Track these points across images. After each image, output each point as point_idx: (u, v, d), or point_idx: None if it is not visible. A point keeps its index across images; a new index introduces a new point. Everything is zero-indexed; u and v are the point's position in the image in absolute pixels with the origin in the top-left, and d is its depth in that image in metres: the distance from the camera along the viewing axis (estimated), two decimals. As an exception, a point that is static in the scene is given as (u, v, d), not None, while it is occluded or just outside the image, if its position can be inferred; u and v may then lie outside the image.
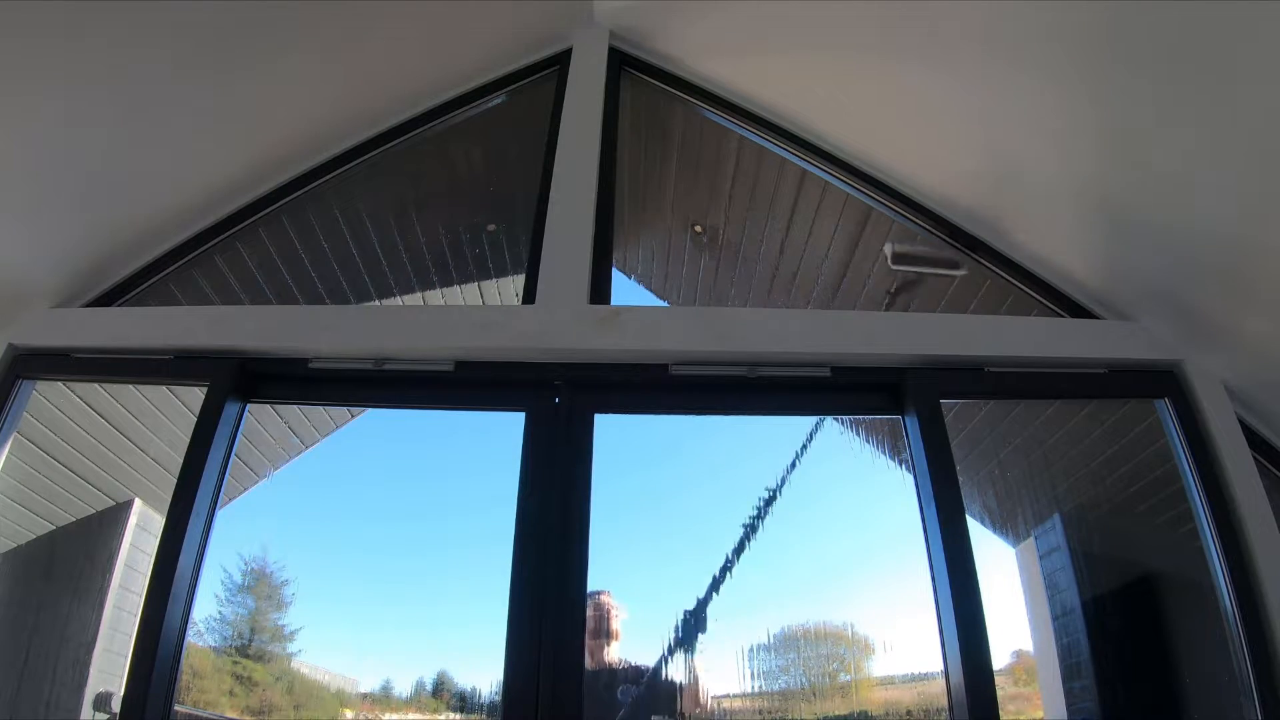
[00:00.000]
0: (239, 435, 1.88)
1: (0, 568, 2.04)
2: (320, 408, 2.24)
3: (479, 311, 2.25)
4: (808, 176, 2.48)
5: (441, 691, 1.81)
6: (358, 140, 2.40)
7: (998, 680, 1.55)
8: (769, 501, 1.92)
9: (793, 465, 1.94)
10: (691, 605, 1.78)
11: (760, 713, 1.74)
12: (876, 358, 1.88)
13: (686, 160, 2.74)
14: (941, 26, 1.82)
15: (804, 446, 1.96)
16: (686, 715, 1.71)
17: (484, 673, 1.74)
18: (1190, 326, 1.88)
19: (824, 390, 1.93)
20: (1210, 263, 1.74)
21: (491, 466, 1.95)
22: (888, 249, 2.29)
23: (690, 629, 1.77)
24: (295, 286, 2.36)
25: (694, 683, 1.73)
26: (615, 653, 1.78)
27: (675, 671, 1.74)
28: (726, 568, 1.83)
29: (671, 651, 1.75)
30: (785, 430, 2.05)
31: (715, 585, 1.81)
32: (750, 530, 1.87)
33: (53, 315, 2.00)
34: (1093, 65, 1.63)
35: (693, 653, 1.74)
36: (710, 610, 1.78)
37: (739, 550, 1.86)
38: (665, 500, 2.07)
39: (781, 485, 1.93)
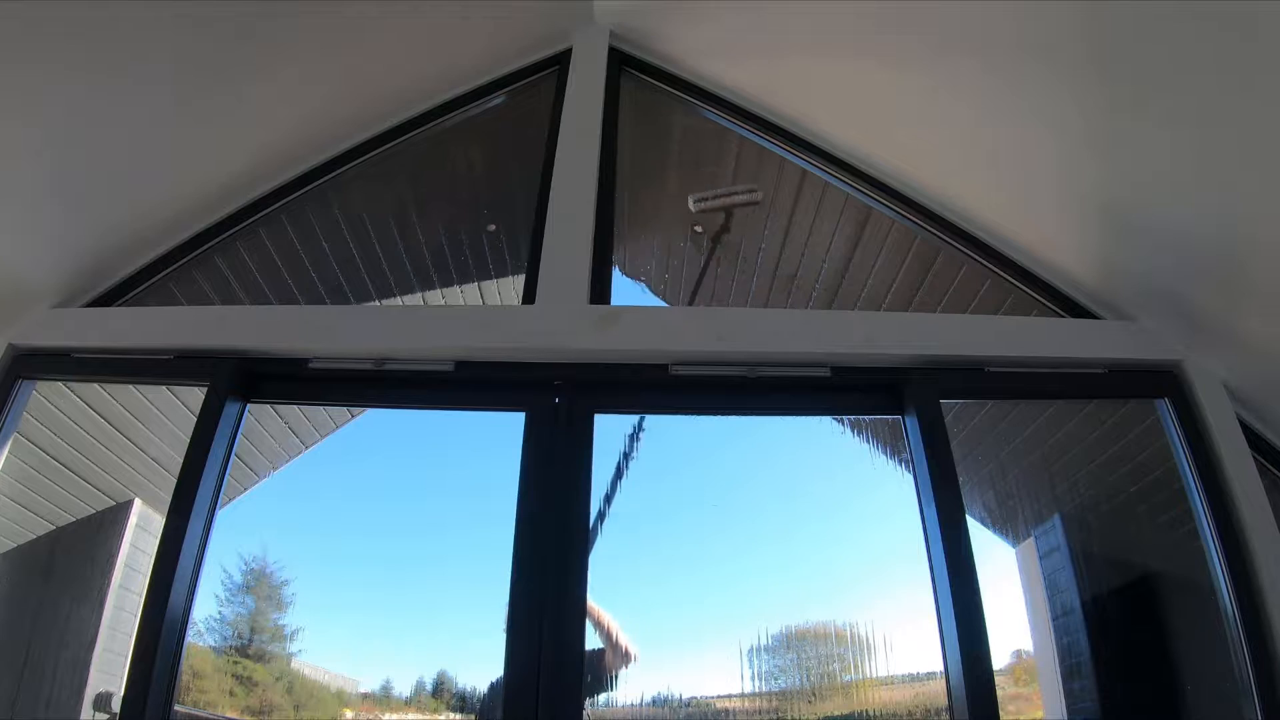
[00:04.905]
0: (239, 435, 1.88)
1: (0, 568, 2.04)
2: (320, 408, 2.24)
3: (479, 311, 2.25)
4: (808, 176, 2.48)
5: (441, 691, 1.81)
6: (358, 140, 2.40)
7: (998, 680, 1.55)
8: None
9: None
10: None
11: (760, 713, 1.74)
12: (876, 358, 1.88)
13: (686, 160, 2.74)
14: (942, 27, 1.82)
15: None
16: (615, 674, 1.70)
17: (484, 673, 1.75)
18: (1190, 326, 1.88)
19: (824, 390, 1.93)
20: (1210, 263, 1.74)
21: (491, 467, 1.95)
22: (690, 202, 2.35)
23: None
24: (295, 286, 2.36)
25: (605, 636, 1.71)
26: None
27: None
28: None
29: None
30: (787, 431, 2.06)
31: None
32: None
33: (53, 315, 2.00)
34: (1093, 66, 1.63)
35: None
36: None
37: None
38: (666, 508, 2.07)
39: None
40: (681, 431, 2.04)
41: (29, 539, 2.06)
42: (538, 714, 1.53)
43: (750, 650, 1.75)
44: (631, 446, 1.91)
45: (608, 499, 1.83)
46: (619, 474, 1.88)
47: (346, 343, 1.90)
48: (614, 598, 1.74)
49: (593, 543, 1.73)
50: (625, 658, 1.73)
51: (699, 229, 2.75)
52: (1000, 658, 1.62)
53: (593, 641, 1.69)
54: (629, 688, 1.72)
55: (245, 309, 2.11)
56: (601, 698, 1.71)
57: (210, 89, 1.96)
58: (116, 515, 2.08)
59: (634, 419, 1.95)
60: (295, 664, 1.91)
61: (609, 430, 1.86)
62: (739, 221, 2.73)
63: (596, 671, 1.71)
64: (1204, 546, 1.75)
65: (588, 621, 1.67)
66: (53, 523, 2.09)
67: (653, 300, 2.69)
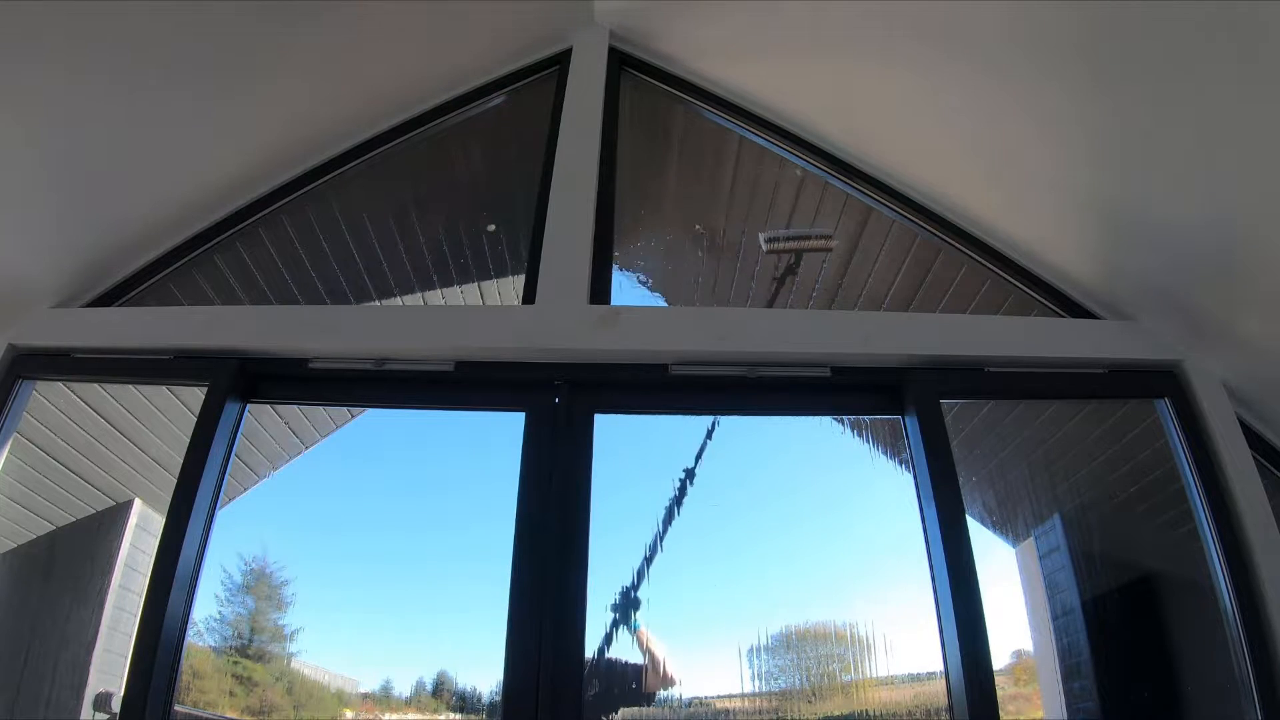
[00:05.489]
0: (239, 435, 1.88)
1: (0, 568, 2.04)
2: (320, 408, 2.24)
3: (479, 311, 2.25)
4: (808, 176, 2.48)
5: (441, 691, 1.81)
6: (358, 140, 2.40)
7: (998, 680, 1.55)
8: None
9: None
10: (628, 582, 1.78)
11: (760, 713, 1.74)
12: (876, 358, 1.88)
13: (686, 160, 2.74)
14: (941, 28, 1.82)
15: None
16: (654, 694, 1.71)
17: (484, 673, 1.75)
18: (1190, 326, 1.88)
19: (824, 390, 1.93)
20: (1210, 262, 1.74)
21: (491, 467, 1.95)
22: (761, 240, 2.33)
23: (626, 608, 1.75)
24: (295, 286, 2.36)
25: (650, 660, 1.72)
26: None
27: (626, 654, 1.73)
28: (657, 540, 1.84)
29: (611, 637, 1.72)
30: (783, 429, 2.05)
31: (648, 560, 1.82)
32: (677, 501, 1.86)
33: (53, 315, 2.00)
34: (1091, 65, 1.63)
35: (633, 629, 1.74)
36: (643, 590, 1.78)
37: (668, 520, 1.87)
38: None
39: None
40: (681, 431, 2.04)
41: (29, 539, 2.06)
42: (537, 714, 1.53)
43: (750, 650, 1.76)
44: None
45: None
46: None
47: (346, 343, 1.89)
48: (613, 597, 1.75)
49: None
50: (666, 681, 1.74)
51: (698, 228, 2.75)
52: (1000, 658, 1.62)
53: (639, 661, 1.72)
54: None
55: (245, 309, 2.11)
56: (634, 710, 1.73)
57: (210, 89, 1.96)
58: (116, 515, 2.08)
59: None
60: (295, 664, 1.91)
61: (609, 430, 1.86)
62: (739, 222, 2.73)
63: (638, 690, 1.72)
64: (1204, 546, 1.75)
65: (637, 646, 1.70)
66: (53, 523, 2.09)
67: (653, 300, 2.69)
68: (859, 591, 1.88)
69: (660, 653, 1.74)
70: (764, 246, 2.31)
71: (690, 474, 1.91)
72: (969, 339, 1.91)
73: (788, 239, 2.32)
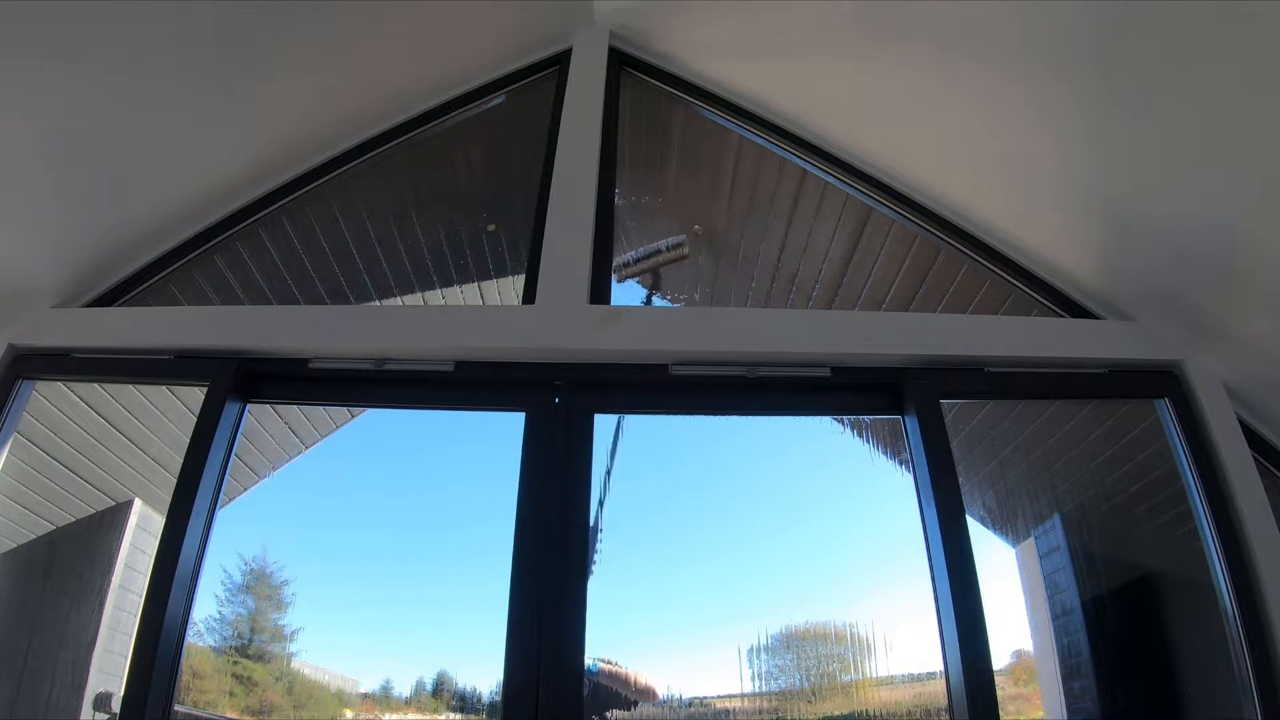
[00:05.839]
0: (239, 435, 1.88)
1: (0, 568, 2.04)
2: (320, 408, 2.24)
3: (479, 311, 2.25)
4: (808, 177, 2.48)
5: (441, 691, 1.81)
6: (358, 140, 2.40)
7: (998, 680, 1.55)
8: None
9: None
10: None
11: (760, 713, 1.74)
12: (876, 358, 1.88)
13: (686, 160, 2.74)
14: (941, 27, 1.82)
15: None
16: (637, 703, 1.71)
17: (484, 673, 1.75)
18: (1190, 326, 1.88)
19: (824, 390, 1.93)
20: (1210, 262, 1.74)
21: (491, 467, 1.95)
22: (615, 275, 2.20)
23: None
24: (295, 286, 2.36)
25: (625, 687, 1.72)
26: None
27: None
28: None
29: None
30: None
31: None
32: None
33: (53, 315, 2.00)
34: (1092, 65, 1.63)
35: (592, 673, 1.69)
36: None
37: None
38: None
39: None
40: (681, 431, 2.04)
41: (29, 539, 2.06)
42: (538, 714, 1.53)
43: (750, 650, 1.76)
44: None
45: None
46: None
47: (346, 343, 1.89)
48: (614, 597, 1.74)
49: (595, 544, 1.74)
50: (647, 694, 1.73)
51: (698, 229, 2.75)
52: (1000, 658, 1.62)
53: (616, 688, 1.71)
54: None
55: (245, 309, 2.11)
56: (632, 710, 1.72)
57: (211, 89, 1.96)
58: (116, 515, 2.09)
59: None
60: (295, 664, 1.91)
61: (608, 430, 1.86)
62: (739, 221, 2.73)
63: (625, 708, 1.72)
64: (1204, 546, 1.75)
65: (609, 683, 1.69)
66: (53, 523, 2.09)
67: (653, 300, 2.69)
68: (859, 591, 1.88)
69: (632, 678, 1.73)
70: (617, 278, 2.23)
71: (600, 504, 1.82)
72: (969, 339, 1.91)
73: (638, 261, 2.28)
